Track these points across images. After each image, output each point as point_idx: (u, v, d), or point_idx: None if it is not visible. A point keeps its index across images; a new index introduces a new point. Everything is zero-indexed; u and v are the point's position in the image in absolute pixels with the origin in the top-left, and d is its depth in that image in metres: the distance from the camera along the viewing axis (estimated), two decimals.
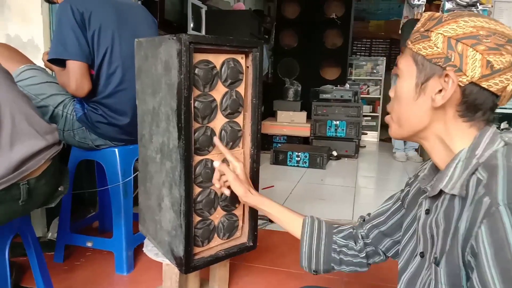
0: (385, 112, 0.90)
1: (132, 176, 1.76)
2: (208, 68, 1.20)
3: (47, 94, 1.68)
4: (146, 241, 1.51)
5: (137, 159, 1.70)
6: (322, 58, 5.64)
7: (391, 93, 0.84)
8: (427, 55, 0.72)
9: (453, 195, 0.71)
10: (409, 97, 0.76)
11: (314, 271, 1.09)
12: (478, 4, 2.65)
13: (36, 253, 1.39)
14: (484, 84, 0.68)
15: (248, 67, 1.31)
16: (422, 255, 0.81)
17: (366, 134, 6.10)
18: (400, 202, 1.01)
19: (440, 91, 0.72)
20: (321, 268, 1.07)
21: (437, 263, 0.72)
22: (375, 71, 6.67)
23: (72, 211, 1.87)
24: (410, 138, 0.82)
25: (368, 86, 6.64)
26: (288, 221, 1.16)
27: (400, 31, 4.48)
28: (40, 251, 1.41)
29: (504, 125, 3.14)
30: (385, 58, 6.67)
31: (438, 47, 0.71)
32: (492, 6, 2.79)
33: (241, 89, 1.30)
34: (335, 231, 1.10)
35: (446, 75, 0.70)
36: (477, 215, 0.62)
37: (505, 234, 0.57)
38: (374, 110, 6.54)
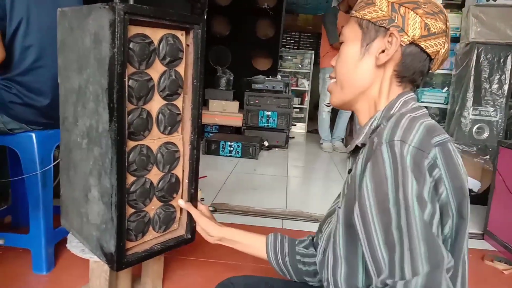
0: (313, 105, 0.91)
1: (52, 164, 1.58)
2: (144, 43, 1.08)
3: None
4: (69, 237, 1.36)
5: (58, 146, 1.52)
6: (254, 48, 5.59)
7: (333, 62, 0.88)
8: (372, 18, 0.78)
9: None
10: (355, 58, 0.81)
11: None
12: None
13: None
14: (422, 44, 0.76)
15: (188, 45, 1.21)
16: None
17: (295, 125, 6.23)
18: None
19: (383, 51, 0.77)
20: (295, 278, 1.08)
21: (339, 206, 0.78)
22: (303, 64, 6.80)
23: None
24: (349, 102, 0.85)
25: (297, 79, 6.75)
26: (259, 247, 1.14)
27: (323, 18, 4.57)
28: None
29: None
30: (313, 51, 6.81)
31: (382, 11, 0.77)
32: None
33: (180, 69, 1.20)
34: (297, 242, 1.11)
35: (391, 35, 0.76)
36: (368, 156, 0.68)
37: (384, 169, 0.62)
38: (302, 102, 6.67)
